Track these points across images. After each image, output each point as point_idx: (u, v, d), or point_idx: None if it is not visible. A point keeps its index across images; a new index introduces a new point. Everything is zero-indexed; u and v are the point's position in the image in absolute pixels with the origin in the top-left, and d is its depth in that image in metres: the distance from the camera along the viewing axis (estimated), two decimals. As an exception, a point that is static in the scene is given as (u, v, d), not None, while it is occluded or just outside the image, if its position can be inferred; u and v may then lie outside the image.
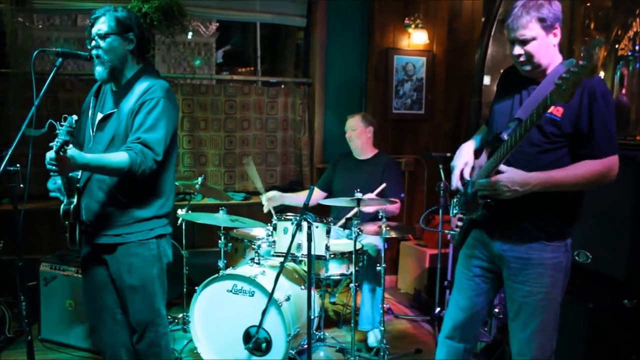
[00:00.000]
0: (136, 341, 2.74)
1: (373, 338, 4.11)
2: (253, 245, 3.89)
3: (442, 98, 5.73)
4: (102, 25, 2.58)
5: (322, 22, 5.44)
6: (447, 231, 4.27)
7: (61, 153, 2.17)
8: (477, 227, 2.60)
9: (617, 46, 4.00)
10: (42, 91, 2.40)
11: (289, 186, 5.53)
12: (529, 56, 2.31)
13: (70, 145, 2.20)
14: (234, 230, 4.27)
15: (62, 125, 2.18)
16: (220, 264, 3.90)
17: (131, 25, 2.66)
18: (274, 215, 3.88)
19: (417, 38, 5.45)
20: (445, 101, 5.74)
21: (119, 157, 2.43)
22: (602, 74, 4.10)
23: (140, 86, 2.62)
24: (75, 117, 2.23)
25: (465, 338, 2.68)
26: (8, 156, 2.28)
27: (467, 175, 2.55)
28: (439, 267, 4.41)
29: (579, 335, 3.16)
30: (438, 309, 4.35)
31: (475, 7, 5.72)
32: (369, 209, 4.24)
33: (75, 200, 2.57)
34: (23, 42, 4.78)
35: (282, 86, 5.64)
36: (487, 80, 5.66)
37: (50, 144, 2.18)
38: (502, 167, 2.28)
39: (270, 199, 4.31)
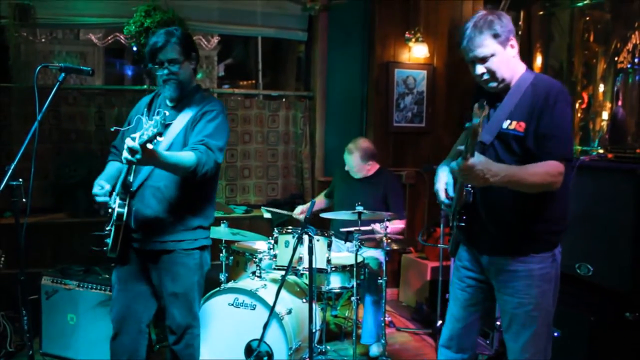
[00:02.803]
0: (173, 343, 2.87)
1: (375, 349, 4.11)
2: (254, 259, 3.89)
3: (442, 111, 5.74)
4: (171, 53, 2.71)
5: (322, 35, 5.47)
6: (444, 246, 4.26)
7: (148, 145, 2.25)
8: (463, 243, 2.63)
9: (616, 59, 4.02)
10: (45, 106, 2.42)
11: (290, 199, 5.53)
12: (491, 73, 2.34)
13: (163, 137, 2.32)
14: (236, 244, 4.27)
15: (152, 120, 2.27)
16: (222, 277, 3.89)
17: (192, 45, 2.83)
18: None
19: (417, 51, 5.48)
20: (446, 114, 5.75)
21: (188, 155, 2.56)
22: (601, 87, 4.12)
23: (200, 101, 2.79)
24: (167, 112, 2.34)
25: (462, 348, 2.68)
26: (11, 170, 2.30)
27: (451, 193, 2.56)
28: (441, 280, 4.41)
29: (580, 348, 3.15)
30: (440, 322, 4.34)
31: (475, 21, 5.74)
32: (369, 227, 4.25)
33: (126, 204, 2.65)
34: (26, 56, 4.81)
35: (284, 99, 5.66)
36: (487, 93, 5.67)
37: (132, 136, 2.25)
38: (477, 156, 2.14)
39: (302, 212, 4.39)
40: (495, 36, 2.29)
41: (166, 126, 2.71)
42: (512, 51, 2.34)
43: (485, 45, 2.29)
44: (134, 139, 2.26)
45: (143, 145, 2.24)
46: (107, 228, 2.71)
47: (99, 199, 2.67)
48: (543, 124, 2.25)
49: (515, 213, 2.35)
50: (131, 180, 2.67)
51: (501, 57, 2.31)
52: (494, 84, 2.38)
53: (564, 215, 2.43)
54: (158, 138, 2.26)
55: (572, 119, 2.32)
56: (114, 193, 2.69)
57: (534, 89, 2.32)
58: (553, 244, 2.43)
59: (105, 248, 2.72)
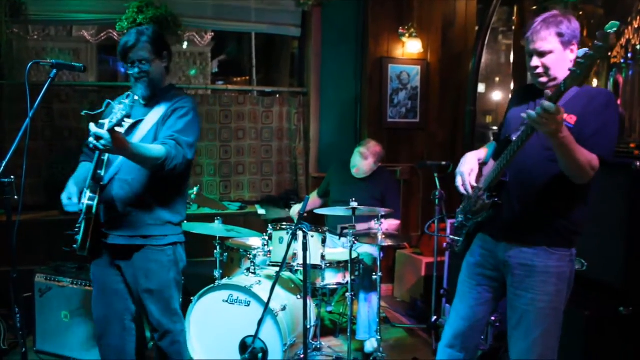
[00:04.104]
0: (158, 339, 2.86)
1: (370, 345, 4.12)
2: (249, 255, 3.89)
3: (436, 106, 5.75)
4: (142, 51, 2.72)
5: (316, 31, 5.46)
6: (451, 236, 4.26)
7: (117, 128, 2.25)
8: (482, 230, 2.62)
9: (609, 54, 4.02)
10: (37, 102, 2.41)
11: (285, 195, 5.52)
12: (546, 68, 2.38)
13: (130, 121, 2.30)
14: (230, 240, 4.27)
15: (121, 104, 2.29)
16: (216, 274, 3.89)
17: (164, 44, 2.84)
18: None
19: (411, 47, 5.47)
20: (440, 110, 5.76)
21: (157, 148, 2.55)
22: (595, 82, 4.12)
23: (171, 98, 2.80)
24: (136, 96, 2.36)
25: (466, 347, 2.68)
26: (2, 167, 2.28)
27: (473, 182, 2.56)
28: (435, 275, 4.41)
29: (575, 343, 3.15)
30: (434, 317, 4.35)
31: (468, 16, 5.75)
32: (366, 225, 4.25)
33: (97, 197, 2.62)
34: (18, 52, 4.79)
35: (277, 96, 5.65)
36: (481, 88, 5.68)
37: (101, 121, 2.25)
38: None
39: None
40: (560, 35, 2.34)
41: (137, 122, 2.72)
42: (570, 55, 2.37)
43: (548, 40, 2.34)
44: (102, 125, 2.26)
45: (111, 130, 2.23)
46: (77, 225, 2.67)
47: (67, 209, 2.67)
48: (594, 121, 2.30)
49: (546, 195, 2.38)
50: (102, 174, 2.65)
51: (559, 56, 2.36)
52: (544, 80, 2.40)
53: (584, 221, 2.46)
54: (126, 120, 2.27)
55: (618, 126, 2.37)
56: (85, 187, 2.66)
57: (585, 92, 2.37)
58: (571, 243, 2.45)
59: (75, 246, 2.69)
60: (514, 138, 2.34)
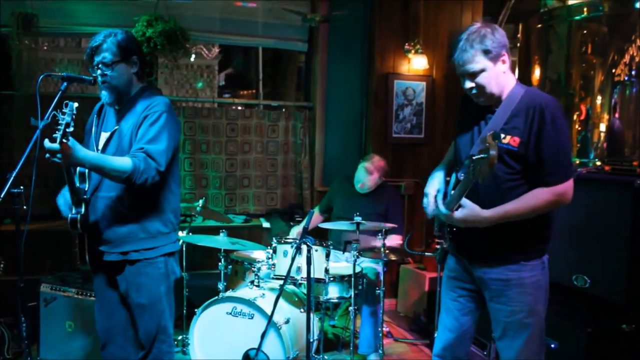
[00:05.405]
0: (141, 358, 2.79)
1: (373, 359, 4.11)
2: (253, 268, 3.90)
3: (441, 122, 5.77)
4: (105, 53, 2.61)
5: (323, 47, 5.51)
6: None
7: (64, 140, 2.18)
8: (454, 252, 2.64)
9: (613, 71, 4.04)
10: (47, 114, 2.42)
11: (289, 209, 5.55)
12: (480, 88, 2.34)
13: (71, 128, 2.20)
14: (234, 253, 4.28)
15: (63, 114, 2.20)
16: (220, 286, 3.91)
17: (133, 49, 2.72)
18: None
19: (417, 63, 5.52)
20: (445, 125, 5.78)
21: (122, 161, 2.45)
22: (599, 99, 4.14)
23: (143, 102, 2.67)
24: (76, 104, 2.25)
25: (456, 357, 2.70)
26: (12, 178, 2.31)
27: (440, 202, 2.57)
28: (439, 291, 4.41)
29: (576, 359, 3.16)
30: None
31: (474, 33, 5.78)
32: (370, 240, 4.26)
33: (83, 210, 2.58)
34: (28, 64, 4.84)
35: (283, 110, 5.69)
36: (486, 104, 5.68)
37: (54, 135, 2.19)
38: (463, 201, 2.28)
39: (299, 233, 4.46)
40: (486, 52, 2.28)
41: (113, 132, 2.69)
42: (502, 67, 2.33)
43: (476, 61, 2.29)
44: (56, 139, 2.20)
45: (61, 143, 2.17)
46: (75, 241, 2.67)
47: (64, 214, 2.64)
48: (543, 146, 2.26)
49: (507, 223, 2.34)
50: (85, 187, 2.61)
51: (491, 73, 2.31)
52: (482, 99, 2.39)
53: (551, 224, 2.45)
54: (67, 130, 2.18)
55: (569, 133, 2.33)
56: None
57: (527, 104, 2.31)
58: (542, 252, 2.45)
59: (78, 262, 2.68)
60: (461, 176, 2.34)
